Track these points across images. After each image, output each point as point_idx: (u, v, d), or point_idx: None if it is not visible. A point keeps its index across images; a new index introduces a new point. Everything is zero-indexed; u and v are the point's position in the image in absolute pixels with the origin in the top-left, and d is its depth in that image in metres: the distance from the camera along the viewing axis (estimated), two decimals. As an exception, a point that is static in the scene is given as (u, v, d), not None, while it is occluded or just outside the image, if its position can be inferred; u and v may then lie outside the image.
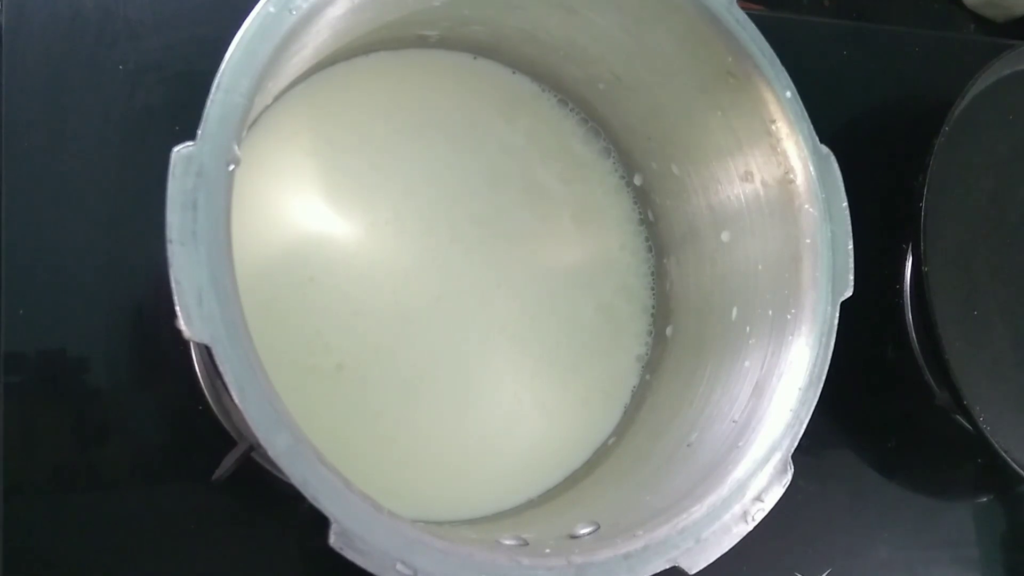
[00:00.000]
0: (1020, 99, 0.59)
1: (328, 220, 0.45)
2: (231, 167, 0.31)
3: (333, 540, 0.29)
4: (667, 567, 0.35)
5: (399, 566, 0.30)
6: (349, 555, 0.30)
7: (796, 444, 0.39)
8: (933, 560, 0.56)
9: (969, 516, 0.58)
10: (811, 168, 0.41)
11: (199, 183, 0.30)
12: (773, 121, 0.42)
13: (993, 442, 0.50)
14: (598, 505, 0.42)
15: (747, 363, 0.42)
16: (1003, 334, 0.57)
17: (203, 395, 0.43)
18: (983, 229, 0.58)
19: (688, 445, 0.42)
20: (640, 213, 0.51)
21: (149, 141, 0.44)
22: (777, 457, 0.38)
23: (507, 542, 0.36)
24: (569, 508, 0.43)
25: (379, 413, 0.44)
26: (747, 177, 0.44)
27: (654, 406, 0.47)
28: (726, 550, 0.36)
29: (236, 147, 0.31)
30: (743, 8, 0.41)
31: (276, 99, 0.43)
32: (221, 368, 0.29)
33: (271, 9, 0.33)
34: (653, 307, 0.51)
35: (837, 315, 0.41)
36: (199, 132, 0.30)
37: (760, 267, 0.44)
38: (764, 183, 0.43)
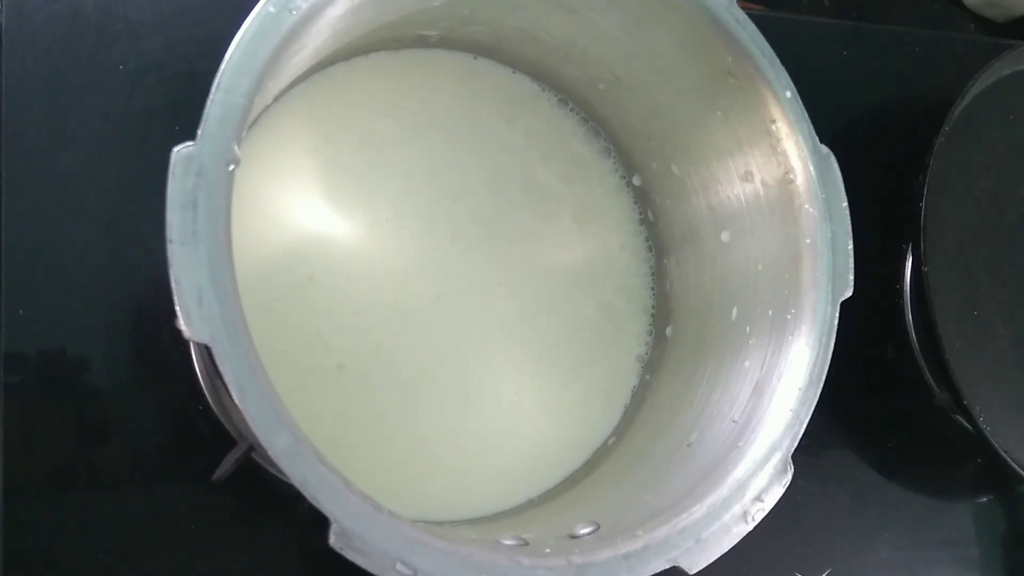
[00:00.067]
0: (1020, 99, 0.59)
1: (328, 220, 0.45)
2: (231, 167, 0.31)
3: (333, 540, 0.29)
4: (667, 567, 0.35)
5: (399, 566, 0.30)
6: (349, 555, 0.30)
7: (796, 444, 0.39)
8: (933, 560, 0.56)
9: (969, 516, 0.58)
10: (811, 168, 0.41)
11: (199, 183, 0.30)
12: (773, 121, 0.42)
13: (993, 442, 0.50)
14: (598, 505, 0.42)
15: (747, 363, 0.42)
16: (1003, 334, 0.57)
17: (203, 395, 0.43)
18: (983, 229, 0.58)
19: (688, 445, 0.42)
20: (640, 213, 0.51)
21: (149, 141, 0.44)
22: (777, 457, 0.38)
23: (507, 542, 0.36)
24: (569, 508, 0.43)
25: (379, 413, 0.44)
26: (747, 177, 0.44)
27: (654, 406, 0.47)
28: (726, 550, 0.36)
29: (236, 147, 0.31)
30: (743, 8, 0.41)
31: (276, 99, 0.43)
32: (221, 368, 0.29)
33: (271, 9, 0.33)
34: (653, 307, 0.51)
35: (837, 315, 0.41)
36: (199, 132, 0.30)
37: (760, 267, 0.44)
38: (764, 183, 0.43)
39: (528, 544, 0.36)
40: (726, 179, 0.45)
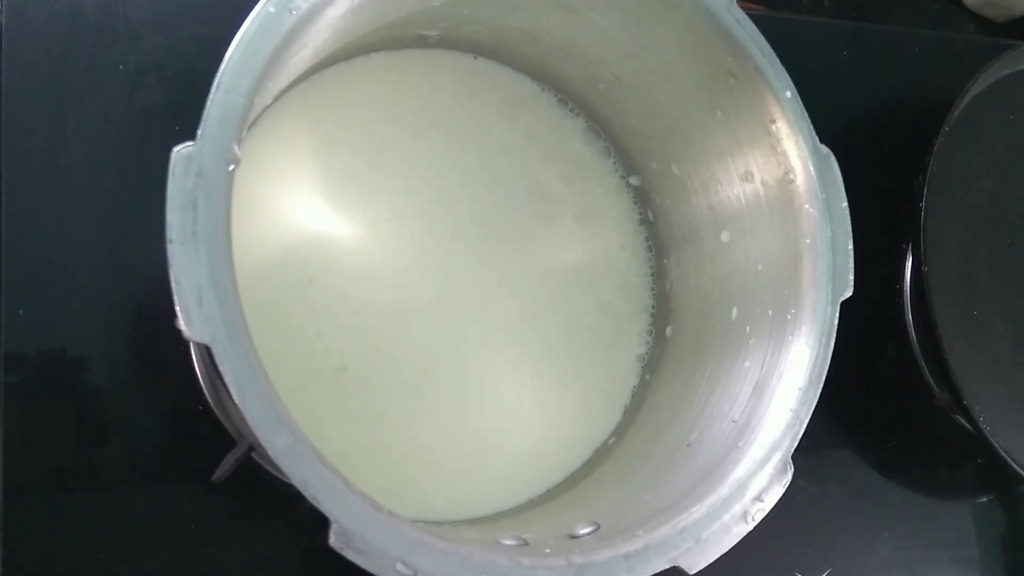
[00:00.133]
0: (1020, 99, 0.59)
1: (328, 220, 0.45)
2: (231, 167, 0.31)
3: (333, 540, 0.29)
4: (667, 567, 0.35)
5: (399, 566, 0.30)
6: (349, 555, 0.30)
7: (796, 444, 0.39)
8: (933, 560, 0.56)
9: (969, 516, 0.58)
10: (811, 168, 0.41)
11: (199, 183, 0.30)
12: (773, 121, 0.42)
13: (993, 442, 0.50)
14: (598, 505, 0.42)
15: (747, 363, 0.42)
16: (1003, 334, 0.57)
17: (203, 395, 0.43)
18: (983, 229, 0.58)
19: (688, 445, 0.42)
20: (640, 213, 0.51)
21: (149, 141, 0.44)
22: (777, 457, 0.38)
23: (507, 542, 0.36)
24: (569, 508, 0.43)
25: (379, 413, 0.44)
26: (747, 177, 0.44)
27: (654, 406, 0.47)
28: (726, 550, 0.36)
29: (236, 147, 0.31)
30: (743, 8, 0.41)
31: (276, 99, 0.43)
32: (221, 368, 0.29)
33: (271, 9, 0.33)
34: (653, 307, 0.51)
35: (837, 315, 0.41)
36: (199, 132, 0.30)
37: (760, 267, 0.44)
38: (764, 183, 0.43)
39: (528, 544, 0.36)
40: (726, 179, 0.45)
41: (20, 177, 0.42)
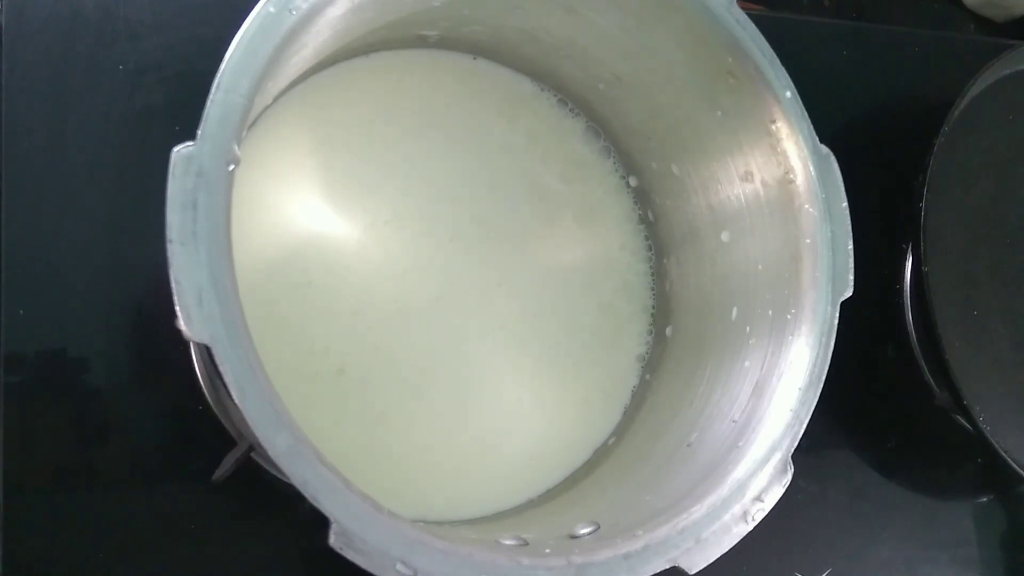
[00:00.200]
0: (1020, 99, 0.59)
1: (328, 220, 0.45)
2: (231, 167, 0.31)
3: (333, 540, 0.29)
4: (667, 567, 0.35)
5: (399, 566, 0.30)
6: (349, 555, 0.30)
7: (796, 444, 0.39)
8: (933, 560, 0.56)
9: (969, 516, 0.58)
10: (811, 168, 0.41)
11: (199, 183, 0.30)
12: (773, 121, 0.42)
13: (993, 442, 0.50)
14: (598, 505, 0.42)
15: (747, 363, 0.42)
16: (1003, 334, 0.57)
17: (203, 395, 0.43)
18: (983, 229, 0.58)
19: (688, 445, 0.42)
20: (640, 213, 0.51)
21: (149, 141, 0.44)
22: (777, 457, 0.38)
23: (507, 542, 0.36)
24: (569, 508, 0.43)
25: (379, 413, 0.44)
26: (747, 177, 0.44)
27: (654, 406, 0.47)
28: (726, 550, 0.36)
29: (236, 147, 0.31)
30: (743, 8, 0.41)
31: (276, 99, 0.43)
32: (221, 368, 0.29)
33: (271, 9, 0.33)
34: (653, 307, 0.51)
35: (837, 315, 0.41)
36: (199, 132, 0.30)
37: (760, 267, 0.44)
38: (764, 183, 0.43)
39: (528, 544, 0.36)
40: (726, 179, 0.45)
41: (20, 177, 0.42)
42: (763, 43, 0.41)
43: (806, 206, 0.41)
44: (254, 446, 0.40)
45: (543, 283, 0.48)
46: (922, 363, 0.56)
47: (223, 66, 0.31)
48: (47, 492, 0.41)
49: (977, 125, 0.57)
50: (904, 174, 0.54)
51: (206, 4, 0.46)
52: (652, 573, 0.34)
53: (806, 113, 0.42)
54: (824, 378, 0.40)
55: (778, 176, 0.42)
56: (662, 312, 0.50)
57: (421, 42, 0.47)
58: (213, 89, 0.31)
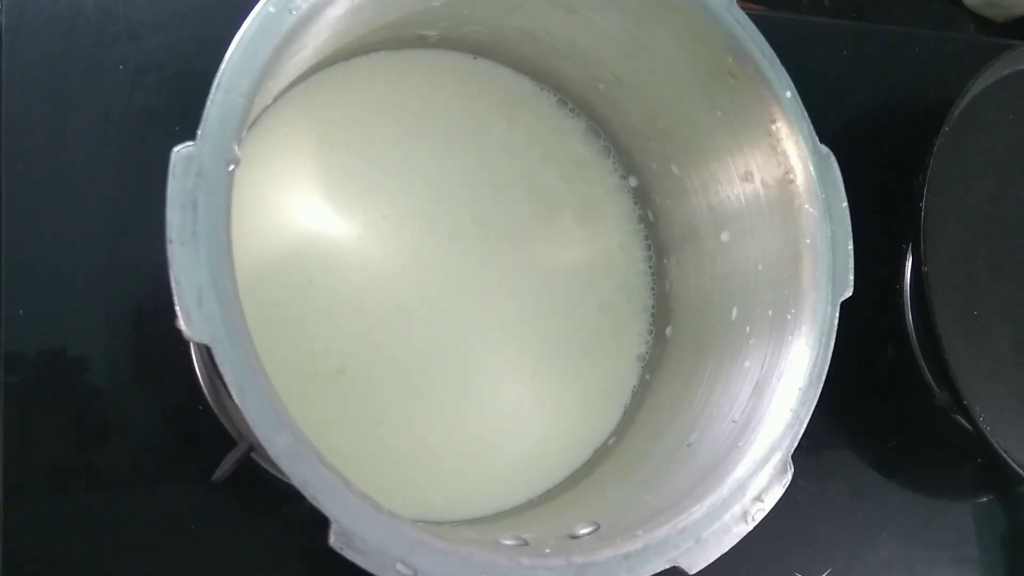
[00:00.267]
0: (1020, 99, 0.59)
1: (328, 220, 0.45)
2: (231, 167, 0.31)
3: (333, 540, 0.29)
4: (667, 567, 0.35)
5: (399, 566, 0.30)
6: (349, 555, 0.30)
7: (796, 444, 0.39)
8: (933, 560, 0.56)
9: (969, 516, 0.58)
10: (811, 168, 0.41)
11: (199, 183, 0.30)
12: (773, 121, 0.42)
13: (993, 442, 0.50)
14: (598, 505, 0.42)
15: (747, 363, 0.42)
16: (1003, 334, 0.57)
17: (203, 395, 0.43)
18: (983, 229, 0.58)
19: (688, 445, 0.42)
20: (640, 213, 0.51)
21: (149, 141, 0.44)
22: (777, 457, 0.38)
23: (507, 542, 0.36)
24: (569, 508, 0.43)
25: (379, 413, 0.44)
26: (747, 177, 0.44)
27: (654, 406, 0.47)
28: (726, 550, 0.36)
29: (236, 147, 0.31)
30: (743, 8, 0.41)
31: (276, 99, 0.43)
32: (221, 368, 0.29)
33: (271, 9, 0.33)
34: (653, 307, 0.51)
35: (837, 315, 0.41)
36: (199, 132, 0.30)
37: (760, 267, 0.44)
38: (764, 183, 0.43)
39: (528, 544, 0.36)
40: (726, 179, 0.45)
41: (20, 177, 0.42)
42: (763, 43, 0.41)
43: (806, 206, 0.41)
44: (254, 446, 0.40)
45: (543, 283, 0.48)
46: (922, 363, 0.56)
47: (223, 66, 0.31)
48: (47, 492, 0.41)
49: (977, 125, 0.57)
50: (904, 174, 0.54)
51: (206, 4, 0.46)
52: (652, 573, 0.34)
53: (806, 113, 0.42)
54: (824, 378, 0.40)
55: (778, 176, 0.42)
56: (662, 312, 0.50)
57: (421, 42, 0.47)
58: (213, 89, 0.31)
